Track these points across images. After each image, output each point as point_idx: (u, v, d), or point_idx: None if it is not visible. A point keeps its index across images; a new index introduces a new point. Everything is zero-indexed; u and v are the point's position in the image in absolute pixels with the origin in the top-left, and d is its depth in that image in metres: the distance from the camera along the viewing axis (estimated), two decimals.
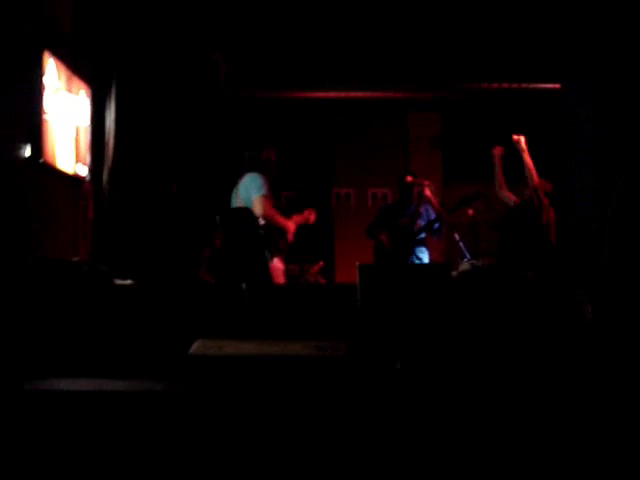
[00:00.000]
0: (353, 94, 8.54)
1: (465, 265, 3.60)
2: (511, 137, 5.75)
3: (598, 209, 3.08)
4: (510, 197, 5.72)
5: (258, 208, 4.99)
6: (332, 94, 8.46)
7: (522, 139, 5.65)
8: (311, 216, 5.50)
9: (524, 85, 8.06)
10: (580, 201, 3.33)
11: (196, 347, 2.88)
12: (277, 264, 5.08)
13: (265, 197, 5.08)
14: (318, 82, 8.33)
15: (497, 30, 7.59)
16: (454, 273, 3.50)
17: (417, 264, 6.25)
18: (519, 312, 2.83)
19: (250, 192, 5.10)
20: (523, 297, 2.92)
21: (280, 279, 5.08)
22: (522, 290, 2.97)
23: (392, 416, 2.55)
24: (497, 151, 5.97)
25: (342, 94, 8.50)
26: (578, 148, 3.36)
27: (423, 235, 6.56)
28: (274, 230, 5.09)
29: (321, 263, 5.58)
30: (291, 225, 5.20)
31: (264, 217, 5.00)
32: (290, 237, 5.17)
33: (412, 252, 6.57)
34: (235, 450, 2.55)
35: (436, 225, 6.50)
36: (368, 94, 8.59)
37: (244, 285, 3.56)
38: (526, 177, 5.52)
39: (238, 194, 5.20)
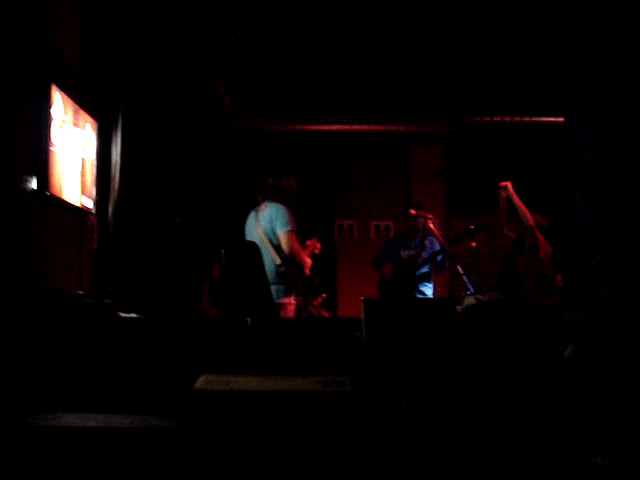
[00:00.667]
0: (356, 127, 8.59)
1: (470, 299, 3.60)
2: (498, 185, 5.90)
3: (599, 239, 3.09)
4: (511, 236, 5.82)
5: (286, 244, 4.98)
6: (335, 127, 8.51)
7: (509, 185, 5.89)
8: (317, 245, 5.49)
9: (526, 119, 8.10)
10: (580, 232, 3.34)
11: (201, 382, 2.87)
12: (291, 300, 5.05)
13: (293, 233, 5.06)
14: (321, 115, 8.38)
15: (500, 64, 7.65)
16: (459, 308, 3.50)
17: (422, 298, 6.25)
18: (526, 348, 2.82)
19: (275, 225, 5.06)
20: (528, 333, 2.92)
21: (291, 314, 5.06)
22: (527, 326, 2.97)
23: (398, 452, 2.54)
24: (502, 193, 6.10)
25: (345, 127, 8.56)
26: (580, 181, 3.39)
27: (427, 269, 6.57)
28: (294, 266, 5.07)
29: (324, 295, 5.56)
30: (308, 260, 5.19)
31: (291, 253, 5.00)
32: (307, 272, 5.15)
33: (415, 285, 6.58)
34: None
35: (439, 258, 6.52)
36: (371, 127, 8.64)
37: (249, 320, 3.56)
38: (520, 219, 5.67)
39: (259, 224, 5.13)
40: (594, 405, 2.64)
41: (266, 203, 5.22)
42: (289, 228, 5.06)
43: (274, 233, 5.06)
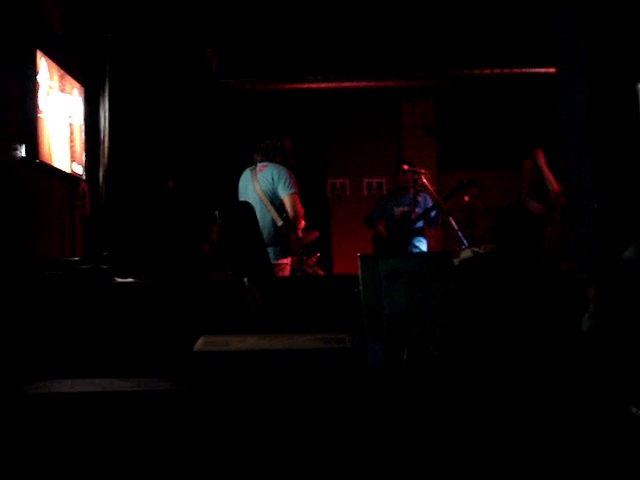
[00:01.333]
0: (345, 84, 8.52)
1: (467, 252, 3.60)
2: (531, 152, 5.89)
3: (597, 192, 3.08)
4: (535, 207, 5.72)
5: (292, 206, 4.97)
6: (324, 85, 8.44)
7: (540, 153, 5.81)
8: (315, 234, 5.48)
9: (516, 70, 8.05)
10: (578, 184, 3.33)
11: (201, 343, 2.86)
12: (288, 260, 5.05)
13: (297, 195, 5.04)
14: (310, 73, 8.31)
15: (488, 15, 7.58)
16: (455, 261, 3.50)
17: (418, 253, 6.26)
18: (526, 299, 2.83)
19: (277, 187, 5.03)
20: (529, 284, 2.92)
21: (288, 274, 5.08)
22: (528, 277, 2.97)
23: (401, 409, 2.55)
24: (527, 164, 6.06)
25: (334, 84, 8.48)
26: (572, 132, 3.37)
27: (421, 224, 6.58)
28: (293, 227, 5.05)
29: (318, 254, 5.56)
30: (303, 222, 5.15)
31: (295, 216, 4.98)
32: (300, 233, 5.13)
33: (410, 241, 6.59)
34: (243, 446, 2.55)
35: (433, 213, 6.52)
36: (360, 83, 8.57)
37: (246, 280, 3.55)
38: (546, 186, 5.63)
39: (257, 183, 5.10)
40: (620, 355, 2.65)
41: (265, 163, 5.17)
42: (293, 190, 5.03)
43: (275, 194, 5.03)
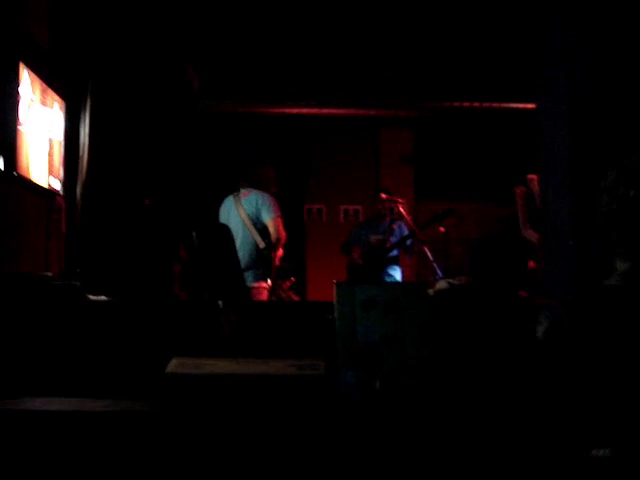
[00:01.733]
0: (325, 110, 8.57)
1: (442, 283, 3.61)
2: (525, 178, 5.79)
3: (575, 227, 3.11)
4: (533, 235, 5.65)
5: (276, 230, 5.17)
6: (305, 110, 8.49)
7: (535, 178, 5.62)
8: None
9: (496, 104, 8.14)
10: (554, 220, 3.37)
11: (173, 365, 2.84)
12: (265, 284, 5.14)
13: (280, 219, 5.24)
14: (290, 98, 8.35)
15: (470, 49, 7.67)
16: (430, 292, 3.51)
17: (394, 282, 6.29)
18: (501, 331, 2.84)
19: (261, 211, 5.21)
20: (504, 316, 2.94)
21: (265, 298, 5.20)
22: (503, 309, 2.99)
23: (373, 435, 2.55)
24: (519, 191, 5.90)
25: (314, 110, 8.53)
26: (553, 167, 3.40)
27: (396, 252, 6.61)
28: (273, 250, 5.20)
29: (293, 279, 5.61)
30: (281, 250, 5.33)
31: (278, 239, 5.17)
32: (277, 262, 5.28)
33: (384, 269, 6.62)
34: (212, 470, 2.53)
35: (408, 242, 6.55)
36: (340, 110, 8.63)
37: (220, 303, 3.54)
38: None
39: (241, 208, 5.26)
40: (583, 393, 2.66)
41: (248, 189, 5.37)
42: (277, 214, 5.25)
43: (259, 218, 5.21)
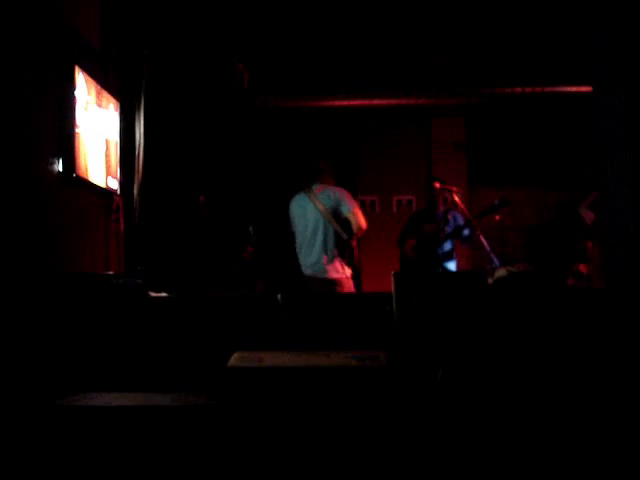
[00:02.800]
0: (375, 101, 8.53)
1: (501, 272, 3.58)
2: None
3: (635, 212, 3.05)
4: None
5: (360, 220, 5.38)
6: (355, 102, 8.46)
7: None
8: None
9: (549, 89, 8.00)
10: (614, 205, 3.30)
11: (235, 359, 2.88)
12: (349, 270, 5.48)
13: (359, 209, 5.49)
14: (340, 90, 8.33)
15: (522, 32, 7.56)
16: (490, 280, 3.48)
17: (453, 272, 6.24)
18: (559, 319, 2.81)
19: (341, 204, 5.40)
20: (561, 304, 2.90)
21: (352, 287, 5.50)
22: (560, 297, 2.95)
23: (434, 426, 2.55)
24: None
25: (364, 101, 8.50)
26: (610, 153, 3.34)
27: (450, 246, 6.51)
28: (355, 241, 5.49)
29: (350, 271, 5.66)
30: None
31: (360, 228, 5.39)
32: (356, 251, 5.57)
33: (439, 262, 6.53)
34: (277, 462, 2.55)
35: (465, 232, 6.46)
36: (391, 101, 8.57)
37: (279, 297, 3.56)
38: None
39: (319, 203, 5.42)
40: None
41: (320, 185, 5.53)
42: (356, 205, 5.48)
43: (338, 210, 5.40)
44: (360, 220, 5.39)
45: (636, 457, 2.35)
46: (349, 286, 5.46)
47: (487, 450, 2.50)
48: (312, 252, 5.39)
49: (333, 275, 5.36)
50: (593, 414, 2.49)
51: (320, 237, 5.38)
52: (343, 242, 5.41)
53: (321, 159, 5.66)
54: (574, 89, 7.69)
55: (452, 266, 6.61)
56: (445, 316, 2.89)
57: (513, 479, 2.48)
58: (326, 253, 5.36)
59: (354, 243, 5.49)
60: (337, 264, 5.39)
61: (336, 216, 5.40)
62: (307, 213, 5.48)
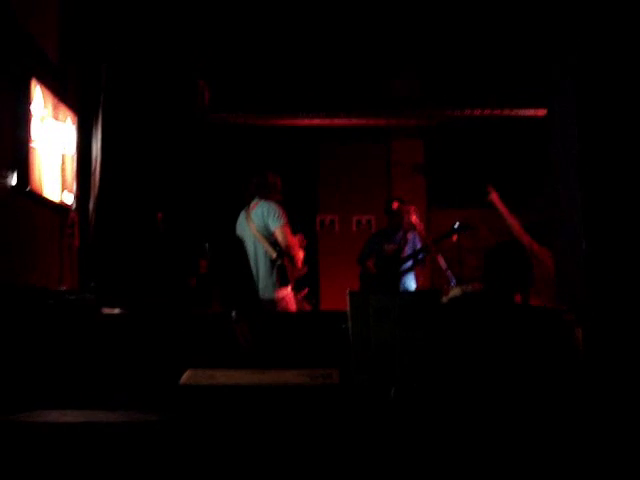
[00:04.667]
0: (336, 121, 8.57)
1: (455, 291, 3.61)
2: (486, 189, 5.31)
3: (586, 233, 3.10)
4: (532, 244, 4.96)
5: (283, 237, 5.19)
6: (315, 121, 8.50)
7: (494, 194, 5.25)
8: (304, 240, 5.61)
9: (506, 112, 8.12)
10: (566, 225, 3.35)
11: (187, 377, 2.85)
12: (287, 289, 5.29)
13: (287, 226, 5.26)
14: (301, 109, 8.36)
15: (481, 56, 7.67)
16: (444, 299, 3.50)
17: (408, 291, 6.27)
18: (513, 338, 2.83)
19: (268, 221, 5.24)
20: (516, 323, 2.93)
21: (292, 304, 5.31)
22: (514, 316, 2.98)
23: (387, 444, 2.54)
24: (493, 196, 5.33)
25: (325, 121, 8.54)
26: (563, 173, 3.39)
27: (410, 263, 6.58)
28: (289, 258, 5.28)
29: (306, 289, 5.63)
30: (301, 253, 5.38)
31: (287, 246, 5.20)
32: (299, 265, 5.36)
33: (399, 279, 6.59)
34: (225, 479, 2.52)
35: (420, 255, 6.54)
36: (351, 121, 8.63)
37: (233, 314, 3.54)
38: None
39: (251, 222, 5.31)
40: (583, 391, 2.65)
41: (255, 201, 5.41)
42: (282, 222, 5.25)
43: (267, 229, 5.25)
44: (286, 238, 5.22)
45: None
46: (283, 307, 5.26)
47: (439, 467, 2.50)
48: (255, 272, 5.26)
49: (266, 296, 5.21)
50: (544, 430, 2.51)
51: (253, 257, 5.27)
52: (273, 262, 5.26)
53: (269, 172, 5.55)
54: (531, 112, 7.82)
55: (412, 285, 6.66)
56: (399, 334, 2.89)
57: None
58: (260, 273, 5.23)
59: (291, 260, 5.29)
60: (270, 284, 5.23)
61: (266, 235, 5.27)
62: (244, 233, 5.40)
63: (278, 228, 5.20)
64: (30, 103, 4.51)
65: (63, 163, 5.17)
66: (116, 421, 2.67)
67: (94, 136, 5.72)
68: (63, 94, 5.20)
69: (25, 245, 4.65)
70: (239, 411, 2.66)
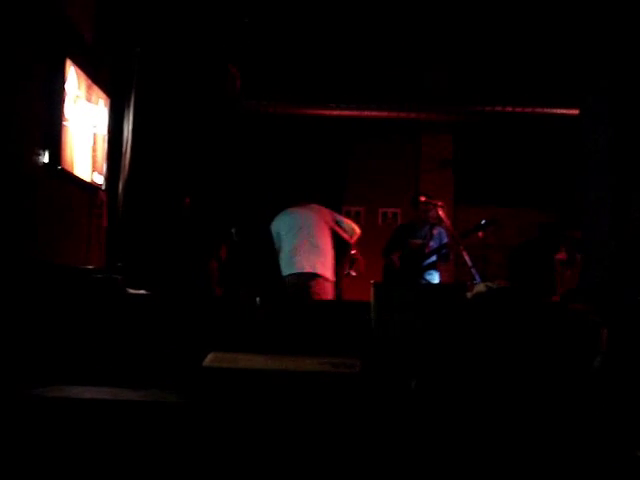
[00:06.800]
0: (366, 113, 8.57)
1: (480, 287, 3.59)
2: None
3: (614, 232, 3.08)
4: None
5: (357, 229, 6.14)
6: (346, 112, 8.49)
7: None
8: None
9: (538, 110, 8.07)
10: (595, 224, 3.33)
11: (210, 359, 2.87)
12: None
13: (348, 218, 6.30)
14: (332, 100, 8.36)
15: (515, 54, 7.62)
16: (469, 294, 3.49)
17: (433, 284, 6.26)
18: (536, 335, 2.82)
19: (337, 217, 6.11)
20: (540, 320, 2.92)
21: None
22: (538, 313, 2.97)
23: (406, 435, 2.54)
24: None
25: (355, 112, 8.54)
26: (595, 173, 3.37)
27: (434, 258, 6.55)
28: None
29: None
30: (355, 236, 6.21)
31: (357, 235, 6.11)
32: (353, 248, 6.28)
33: (421, 274, 6.56)
34: (246, 464, 2.54)
35: (444, 250, 6.50)
36: (381, 113, 8.62)
37: (258, 299, 3.56)
38: None
39: (318, 215, 6.00)
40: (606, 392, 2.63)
41: (303, 202, 6.09)
42: (342, 217, 6.25)
43: (338, 222, 6.05)
44: (356, 228, 6.19)
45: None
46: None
47: (458, 460, 2.50)
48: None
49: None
50: (566, 426, 2.50)
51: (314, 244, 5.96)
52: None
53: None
54: (562, 111, 7.76)
55: (435, 280, 6.64)
56: (422, 327, 2.90)
57: None
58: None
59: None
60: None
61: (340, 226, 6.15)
62: (304, 224, 6.00)
63: (348, 220, 6.39)
64: (64, 83, 4.55)
65: (94, 144, 5.21)
66: (138, 399, 2.69)
67: (125, 118, 5.75)
68: (97, 76, 5.24)
69: (54, 223, 4.70)
70: (260, 395, 2.67)
